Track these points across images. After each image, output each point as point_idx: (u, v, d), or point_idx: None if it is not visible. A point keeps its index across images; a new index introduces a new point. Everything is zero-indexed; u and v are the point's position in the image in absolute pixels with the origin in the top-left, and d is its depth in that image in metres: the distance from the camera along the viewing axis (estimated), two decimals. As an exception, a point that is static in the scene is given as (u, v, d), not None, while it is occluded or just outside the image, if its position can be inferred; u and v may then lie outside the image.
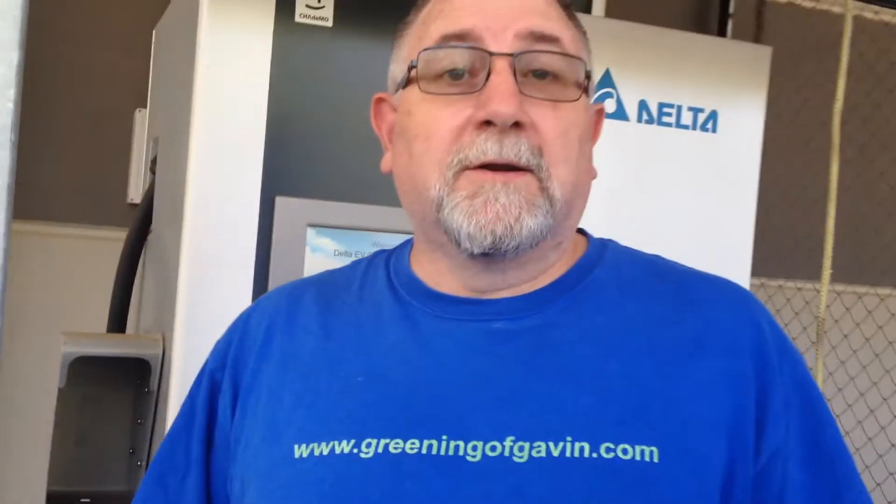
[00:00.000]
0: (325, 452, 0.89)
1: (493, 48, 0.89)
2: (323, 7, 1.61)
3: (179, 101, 1.67)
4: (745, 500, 0.90)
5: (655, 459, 0.85)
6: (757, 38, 3.31)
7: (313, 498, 0.87)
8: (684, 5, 3.37)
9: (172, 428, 1.07)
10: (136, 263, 1.94)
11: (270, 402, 0.96)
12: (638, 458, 0.85)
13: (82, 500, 1.77)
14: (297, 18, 1.60)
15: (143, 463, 1.69)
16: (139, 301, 2.00)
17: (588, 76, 0.95)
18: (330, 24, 1.62)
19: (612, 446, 0.85)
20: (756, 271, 3.14)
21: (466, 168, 0.89)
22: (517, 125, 0.88)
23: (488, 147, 0.88)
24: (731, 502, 0.88)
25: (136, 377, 1.76)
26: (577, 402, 0.88)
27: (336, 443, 0.89)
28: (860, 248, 3.50)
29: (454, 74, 0.91)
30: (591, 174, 0.99)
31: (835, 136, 1.66)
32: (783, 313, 3.35)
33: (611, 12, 2.88)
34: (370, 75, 1.64)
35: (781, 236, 3.13)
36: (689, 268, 1.03)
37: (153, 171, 1.94)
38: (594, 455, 0.85)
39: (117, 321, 1.93)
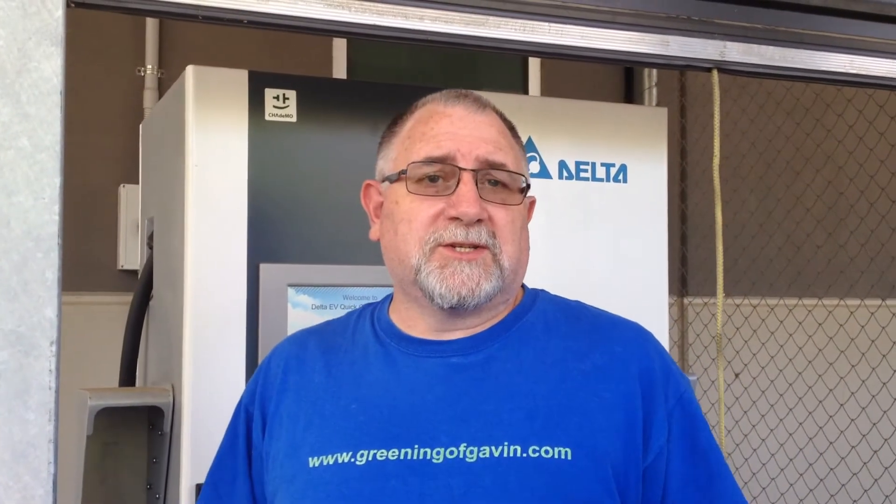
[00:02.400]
0: (331, 462, 1.21)
1: (461, 164, 1.24)
2: (287, 107, 1.93)
3: (173, 189, 1.99)
4: (638, 489, 1.21)
5: (569, 457, 1.17)
6: (681, 100, 3.71)
7: (324, 496, 1.20)
8: (612, 80, 3.75)
9: (220, 449, 1.38)
10: (141, 327, 2.24)
11: (290, 425, 1.28)
12: (556, 456, 1.17)
13: (109, 531, 2.07)
14: (267, 117, 1.93)
15: (162, 496, 1.99)
16: (145, 357, 2.30)
17: (527, 185, 1.30)
18: (294, 119, 1.94)
19: (537, 448, 1.17)
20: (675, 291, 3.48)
21: (439, 245, 1.22)
22: (478, 220, 1.23)
23: (458, 233, 1.22)
24: (627, 490, 1.20)
25: (148, 423, 2.06)
26: (511, 416, 1.20)
27: (339, 454, 1.21)
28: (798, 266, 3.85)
29: (431, 178, 1.25)
30: (528, 249, 1.33)
31: (716, 184, 1.97)
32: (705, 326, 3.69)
33: (547, 91, 3.24)
34: (330, 159, 1.97)
35: (703, 260, 3.49)
36: (600, 310, 1.36)
37: (150, 246, 2.24)
38: (524, 455, 1.17)
39: (127, 375, 2.23)
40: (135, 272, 3.04)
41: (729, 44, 1.92)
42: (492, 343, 1.27)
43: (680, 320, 3.89)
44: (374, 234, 1.35)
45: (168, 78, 3.29)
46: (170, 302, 2.02)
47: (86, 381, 2.30)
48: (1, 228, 1.25)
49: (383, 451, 1.19)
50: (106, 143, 3.24)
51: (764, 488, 3.63)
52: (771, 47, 1.96)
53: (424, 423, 1.20)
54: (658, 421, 1.23)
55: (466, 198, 1.22)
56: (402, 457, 1.18)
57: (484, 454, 1.17)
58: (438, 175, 1.24)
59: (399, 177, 1.27)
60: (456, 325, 1.27)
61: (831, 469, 3.55)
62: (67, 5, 1.31)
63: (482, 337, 1.27)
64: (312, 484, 1.21)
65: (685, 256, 3.87)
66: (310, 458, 1.22)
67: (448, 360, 1.25)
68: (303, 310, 1.91)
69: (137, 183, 2.99)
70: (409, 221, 1.25)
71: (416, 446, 1.18)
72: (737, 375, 3.73)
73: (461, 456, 1.17)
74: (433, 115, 1.29)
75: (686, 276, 3.89)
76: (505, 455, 1.17)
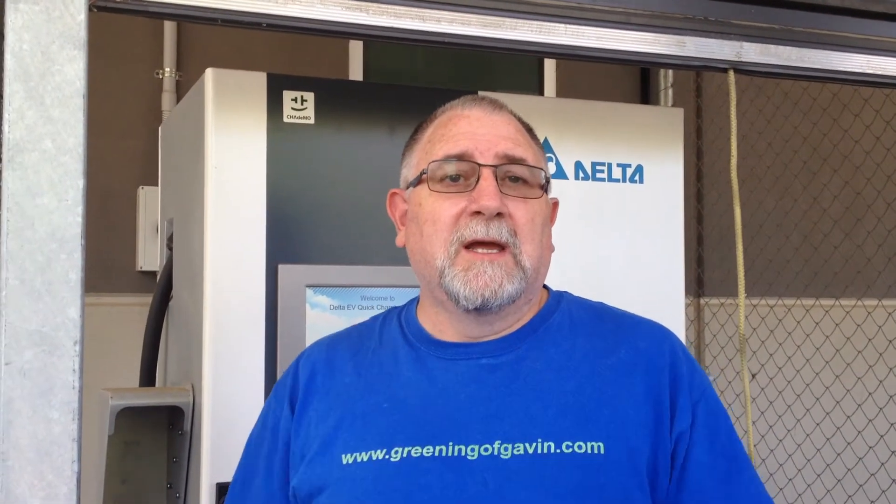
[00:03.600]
0: (365, 459, 1.22)
1: (481, 161, 1.26)
2: (305, 108, 1.95)
3: (192, 191, 2.01)
4: (667, 478, 1.23)
5: (602, 451, 1.19)
6: (697, 101, 3.71)
7: (360, 492, 1.21)
8: (627, 81, 3.75)
9: (248, 449, 1.39)
10: (161, 327, 2.26)
11: (320, 424, 1.29)
12: (589, 451, 1.19)
13: (129, 530, 2.09)
14: (285, 119, 1.94)
15: (182, 495, 2.01)
16: (165, 358, 2.32)
17: (547, 180, 1.31)
18: (312, 121, 1.96)
19: (570, 443, 1.19)
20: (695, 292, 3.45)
21: (463, 246, 1.24)
22: (499, 215, 1.24)
23: (478, 229, 1.24)
24: (657, 482, 1.22)
25: (168, 422, 2.08)
26: (544, 413, 1.22)
27: (372, 452, 1.22)
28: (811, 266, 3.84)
29: (453, 178, 1.27)
30: (551, 248, 1.36)
31: (734, 185, 1.97)
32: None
33: (562, 93, 3.24)
34: (348, 160, 1.99)
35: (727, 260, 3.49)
36: (623, 311, 1.39)
37: (170, 248, 2.26)
38: (558, 451, 1.19)
39: (147, 375, 2.25)
40: (154, 274, 3.06)
41: (745, 44, 1.92)
42: (520, 344, 1.29)
43: (696, 321, 3.89)
44: (400, 240, 1.37)
45: (186, 81, 3.31)
46: (189, 302, 2.04)
47: (106, 382, 2.32)
48: (25, 230, 1.27)
49: (418, 447, 1.21)
50: (125, 146, 3.26)
51: (781, 489, 3.62)
52: (788, 47, 1.95)
53: (458, 422, 1.22)
54: (682, 409, 1.25)
55: (486, 192, 1.24)
56: (436, 453, 1.20)
57: (518, 451, 1.19)
58: (459, 174, 1.27)
59: (421, 178, 1.29)
60: (483, 331, 1.29)
61: (849, 469, 3.54)
62: (90, 9, 1.33)
63: (511, 338, 1.29)
64: (347, 480, 1.22)
65: (701, 257, 3.87)
66: (343, 456, 1.24)
67: (478, 361, 1.27)
68: (321, 310, 1.92)
69: (156, 185, 3.02)
70: (433, 222, 1.26)
71: (451, 443, 1.20)
72: (754, 376, 3.72)
73: (496, 453, 1.19)
74: (451, 118, 1.32)
75: (702, 277, 3.88)
76: (539, 451, 1.19)
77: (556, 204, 1.39)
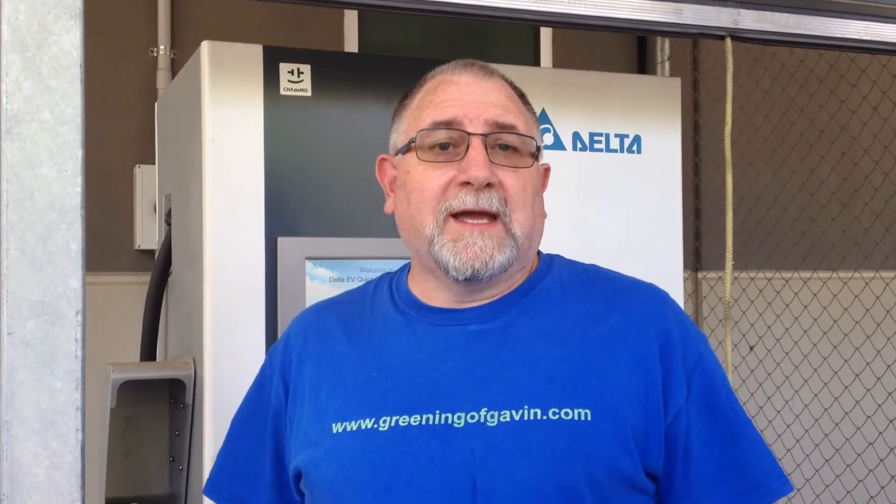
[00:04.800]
0: (354, 428, 1.23)
1: (470, 130, 1.24)
2: (302, 81, 1.94)
3: (190, 166, 2.00)
4: (660, 449, 1.23)
5: (589, 419, 1.19)
6: (694, 74, 3.71)
7: (348, 461, 1.22)
8: (624, 55, 3.74)
9: (239, 414, 1.42)
10: (161, 302, 2.26)
11: (312, 392, 1.30)
12: (576, 418, 1.19)
13: (132, 503, 2.10)
14: (282, 91, 1.94)
15: (185, 468, 2.01)
16: (165, 334, 2.32)
17: (538, 148, 1.30)
18: (309, 93, 1.95)
19: (556, 410, 1.19)
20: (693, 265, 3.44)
21: (451, 215, 1.23)
22: (489, 185, 1.23)
23: (467, 199, 1.23)
24: (648, 451, 1.22)
25: (170, 396, 2.09)
26: (531, 380, 1.22)
27: (362, 421, 1.23)
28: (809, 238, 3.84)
29: (442, 146, 1.25)
30: (543, 215, 1.34)
31: (727, 153, 1.97)
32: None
33: (559, 66, 3.22)
34: (346, 132, 1.98)
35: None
36: (617, 273, 1.37)
37: (168, 223, 2.26)
38: (544, 417, 1.19)
39: (148, 351, 2.25)
40: (152, 252, 3.06)
41: (743, 11, 1.92)
42: (509, 310, 1.28)
43: (694, 294, 3.90)
44: (388, 207, 1.36)
45: (181, 59, 3.31)
46: (189, 276, 2.04)
47: (106, 361, 2.32)
48: (25, 200, 1.27)
49: (405, 416, 1.21)
50: (120, 125, 3.26)
51: (780, 459, 3.64)
52: (785, 14, 1.95)
53: (445, 390, 1.22)
54: (676, 381, 1.24)
55: (476, 161, 1.22)
56: (423, 422, 1.20)
57: (504, 418, 1.18)
58: (448, 142, 1.25)
59: (409, 146, 1.28)
60: (473, 297, 1.28)
61: (847, 439, 3.56)
62: (85, -21, 1.32)
63: (500, 304, 1.28)
64: (336, 449, 1.23)
65: (699, 231, 3.87)
66: (333, 425, 1.24)
67: (467, 327, 1.27)
68: (321, 282, 1.92)
69: (153, 164, 3.01)
70: (421, 191, 1.25)
71: (438, 412, 1.20)
72: (752, 348, 3.74)
73: (482, 420, 1.19)
74: (441, 83, 1.30)
75: (700, 251, 3.89)
76: (525, 418, 1.18)
77: (547, 170, 1.38)
